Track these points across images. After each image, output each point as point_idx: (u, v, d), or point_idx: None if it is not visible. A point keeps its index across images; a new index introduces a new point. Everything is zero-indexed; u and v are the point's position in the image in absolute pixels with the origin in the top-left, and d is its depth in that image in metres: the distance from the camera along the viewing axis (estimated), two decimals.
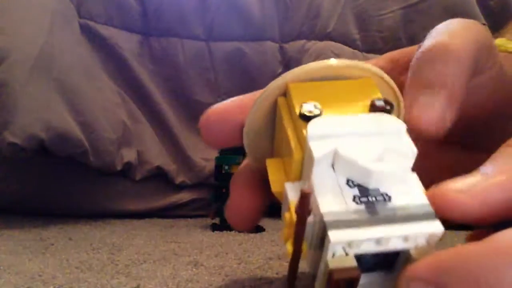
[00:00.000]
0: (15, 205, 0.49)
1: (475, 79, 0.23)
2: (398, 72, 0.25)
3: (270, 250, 0.36)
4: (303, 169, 0.18)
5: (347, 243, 0.15)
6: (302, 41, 0.57)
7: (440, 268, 0.14)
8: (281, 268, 0.31)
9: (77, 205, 0.50)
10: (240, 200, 0.23)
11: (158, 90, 0.55)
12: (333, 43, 0.57)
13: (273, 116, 0.21)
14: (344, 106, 0.19)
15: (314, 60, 0.55)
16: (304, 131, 0.18)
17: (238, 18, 0.55)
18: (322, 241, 0.16)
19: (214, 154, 0.51)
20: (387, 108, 0.19)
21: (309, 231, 0.17)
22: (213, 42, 0.55)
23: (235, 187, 0.23)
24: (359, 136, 0.17)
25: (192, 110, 0.56)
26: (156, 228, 0.46)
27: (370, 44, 0.58)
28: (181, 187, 0.54)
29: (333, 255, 0.16)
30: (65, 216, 0.49)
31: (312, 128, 0.17)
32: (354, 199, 0.16)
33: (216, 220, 0.48)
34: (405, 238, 0.16)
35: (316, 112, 0.18)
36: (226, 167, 0.47)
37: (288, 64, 0.56)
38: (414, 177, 0.18)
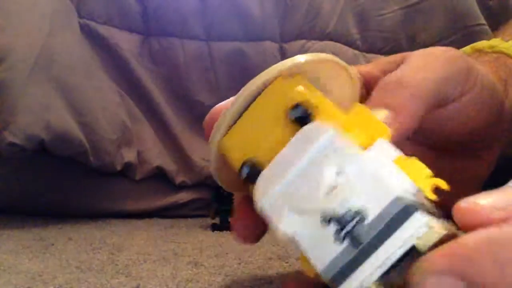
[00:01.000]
0: (15, 205, 0.49)
1: (451, 105, 0.24)
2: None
3: (270, 250, 0.36)
4: None
5: (359, 287, 0.15)
6: (302, 41, 0.57)
7: (464, 257, 0.13)
8: (281, 268, 0.31)
9: (77, 205, 0.50)
10: (244, 218, 0.23)
11: (158, 90, 0.55)
12: (333, 43, 0.57)
13: None
14: (269, 139, 0.19)
15: None
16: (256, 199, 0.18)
17: (238, 18, 0.55)
18: None
19: None
20: (305, 116, 0.18)
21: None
22: (213, 42, 0.55)
23: (237, 206, 0.23)
24: (302, 175, 0.17)
25: (192, 110, 0.56)
26: (156, 228, 0.46)
27: (370, 44, 0.58)
28: (181, 187, 0.54)
29: None
30: (65, 216, 0.49)
31: (262, 202, 0.18)
32: (336, 238, 0.16)
33: (216, 220, 0.47)
34: (401, 246, 0.15)
35: (254, 170, 0.18)
36: None
37: None
38: (368, 158, 0.17)
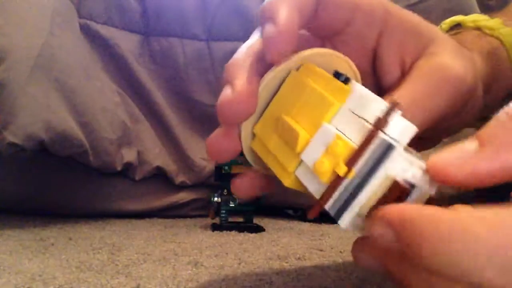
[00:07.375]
0: (15, 205, 0.49)
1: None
2: None
3: (270, 250, 0.36)
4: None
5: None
6: None
7: (408, 222, 0.15)
8: (281, 268, 0.31)
9: (77, 205, 0.50)
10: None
11: (158, 90, 0.55)
12: None
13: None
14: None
15: None
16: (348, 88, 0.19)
17: (238, 18, 0.55)
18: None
19: None
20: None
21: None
22: (213, 42, 0.55)
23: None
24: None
25: (192, 110, 0.56)
26: (156, 228, 0.46)
27: None
28: (181, 187, 0.54)
29: None
30: (65, 216, 0.49)
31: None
32: None
33: (216, 220, 0.48)
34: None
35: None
36: (226, 167, 0.47)
37: None
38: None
